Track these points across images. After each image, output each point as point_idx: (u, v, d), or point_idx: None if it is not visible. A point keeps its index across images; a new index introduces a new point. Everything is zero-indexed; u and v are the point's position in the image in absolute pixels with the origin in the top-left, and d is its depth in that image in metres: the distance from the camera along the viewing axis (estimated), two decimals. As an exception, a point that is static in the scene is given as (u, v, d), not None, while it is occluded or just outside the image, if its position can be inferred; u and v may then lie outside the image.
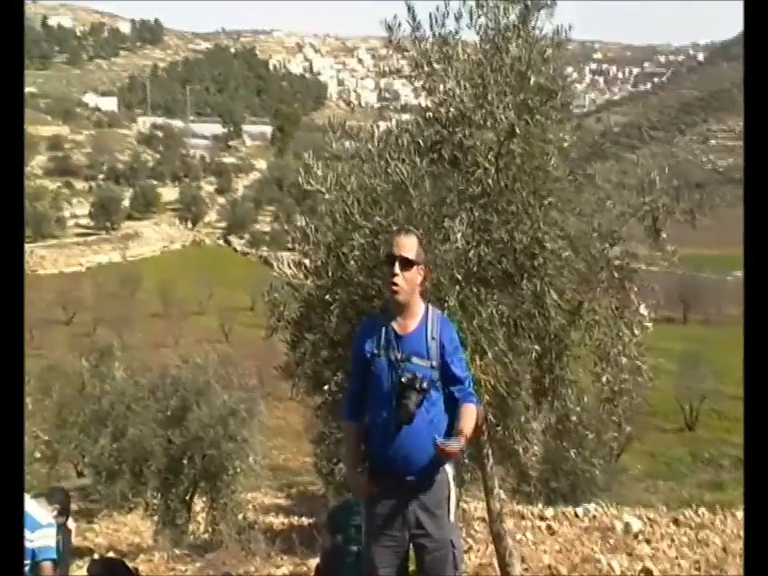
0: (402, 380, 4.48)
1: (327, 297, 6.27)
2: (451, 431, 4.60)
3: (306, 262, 6.43)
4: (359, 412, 4.82)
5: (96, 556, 10.97)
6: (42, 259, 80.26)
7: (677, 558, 9.75)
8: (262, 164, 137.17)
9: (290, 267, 6.49)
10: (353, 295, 6.16)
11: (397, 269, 4.55)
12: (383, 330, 4.65)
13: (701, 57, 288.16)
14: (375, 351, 4.63)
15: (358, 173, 6.15)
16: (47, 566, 6.64)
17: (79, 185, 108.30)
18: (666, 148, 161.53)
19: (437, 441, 4.42)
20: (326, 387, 6.75)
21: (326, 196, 6.08)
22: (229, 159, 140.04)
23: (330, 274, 6.22)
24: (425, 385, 4.46)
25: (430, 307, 4.74)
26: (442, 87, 6.14)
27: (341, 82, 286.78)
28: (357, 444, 4.84)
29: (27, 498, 6.76)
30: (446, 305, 5.66)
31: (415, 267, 4.58)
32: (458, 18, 6.16)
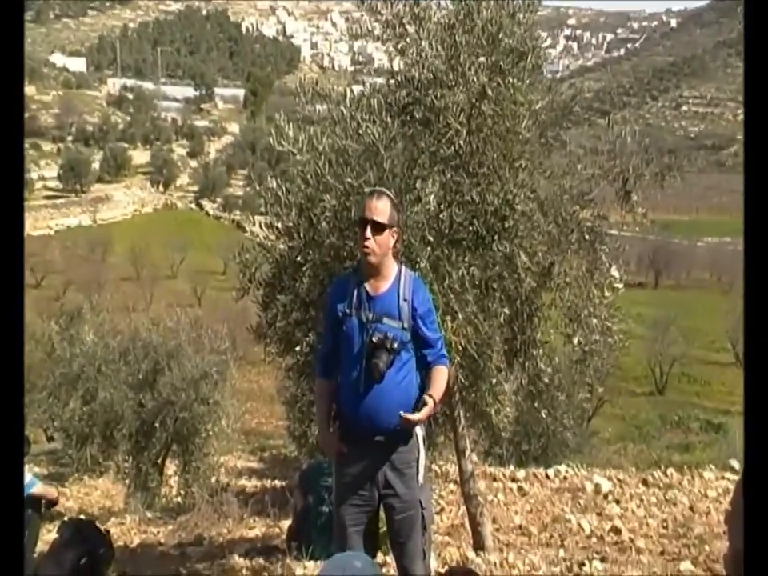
0: (373, 339, 4.51)
1: (299, 258, 6.28)
2: (422, 392, 4.62)
3: (278, 224, 6.41)
4: (331, 371, 4.84)
5: (66, 519, 10.97)
6: (10, 222, 79.28)
7: (645, 517, 9.90)
8: (234, 127, 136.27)
9: (261, 229, 6.48)
10: (324, 256, 6.16)
11: (368, 233, 4.55)
12: (355, 290, 4.66)
13: (674, 23, 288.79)
14: (347, 311, 4.64)
15: (331, 134, 6.13)
16: (39, 489, 6.87)
17: (47, 146, 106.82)
18: (638, 114, 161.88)
19: (400, 413, 4.45)
20: (297, 348, 6.77)
21: (298, 157, 6.06)
22: (201, 122, 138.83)
23: (301, 235, 6.22)
24: (395, 345, 4.48)
25: (403, 268, 4.76)
26: (414, 49, 6.13)
27: (314, 45, 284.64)
28: (328, 403, 4.87)
29: None
30: (417, 266, 5.67)
31: (387, 230, 4.57)
32: (430, -23, 6.16)
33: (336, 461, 4.88)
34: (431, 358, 4.68)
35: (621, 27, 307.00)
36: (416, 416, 4.46)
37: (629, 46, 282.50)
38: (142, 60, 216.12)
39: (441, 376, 4.66)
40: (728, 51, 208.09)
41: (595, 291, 6.47)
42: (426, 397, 4.52)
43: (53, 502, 7.51)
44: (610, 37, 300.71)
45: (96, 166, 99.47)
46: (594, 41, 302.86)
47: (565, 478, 11.99)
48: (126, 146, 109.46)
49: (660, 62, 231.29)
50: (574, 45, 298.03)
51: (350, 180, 5.79)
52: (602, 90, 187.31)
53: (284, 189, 6.23)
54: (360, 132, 5.86)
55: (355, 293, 4.65)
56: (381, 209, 4.58)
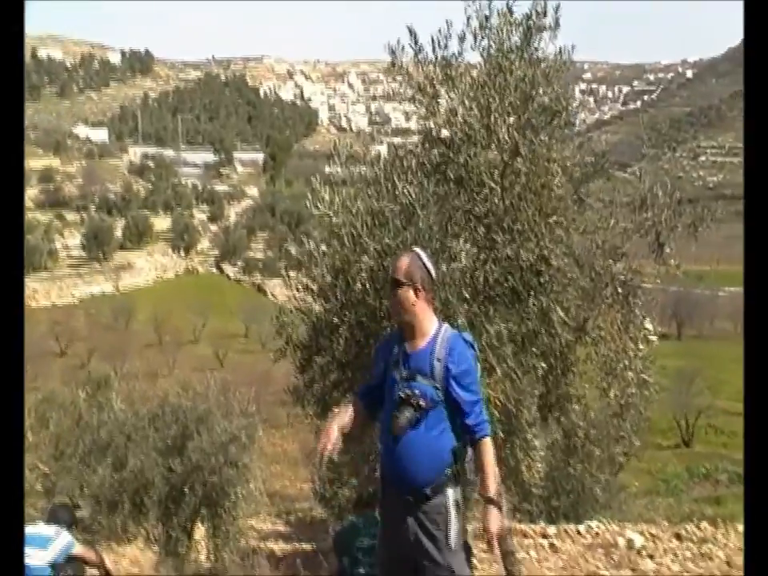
0: (400, 395, 4.52)
1: (335, 319, 6.32)
2: (455, 457, 4.57)
3: (314, 286, 6.47)
4: (367, 395, 4.89)
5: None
6: (34, 292, 79.97)
7: (681, 572, 9.74)
8: (254, 191, 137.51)
9: (297, 290, 6.53)
10: (361, 317, 6.19)
11: (389, 291, 4.69)
12: (396, 346, 4.69)
13: (690, 74, 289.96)
14: (389, 367, 4.69)
15: (364, 196, 6.21)
16: (79, 550, 6.97)
17: (71, 216, 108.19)
18: (656, 165, 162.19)
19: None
20: (335, 410, 6.77)
21: (334, 219, 6.13)
22: (221, 187, 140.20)
23: (337, 296, 6.26)
24: (421, 402, 4.47)
25: (444, 327, 4.70)
26: (446, 108, 6.22)
27: (332, 108, 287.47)
28: (350, 412, 4.86)
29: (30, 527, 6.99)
30: (454, 323, 5.67)
31: (405, 287, 4.58)
32: (461, 40, 6.26)
33: (380, 516, 4.90)
34: (471, 422, 4.55)
35: (637, 80, 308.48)
36: (493, 543, 4.49)
37: (645, 98, 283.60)
38: (162, 128, 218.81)
39: (488, 455, 4.57)
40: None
41: (630, 344, 6.46)
42: (484, 491, 4.50)
43: (98, 565, 7.58)
44: (626, 89, 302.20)
45: (118, 233, 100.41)
46: (609, 94, 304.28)
47: (597, 533, 11.79)
48: (148, 212, 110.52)
49: (677, 112, 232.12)
50: (591, 99, 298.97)
51: (387, 240, 5.84)
52: (620, 143, 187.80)
53: (321, 250, 6.29)
54: (396, 192, 5.92)
55: (396, 349, 4.68)
56: (397, 266, 4.64)
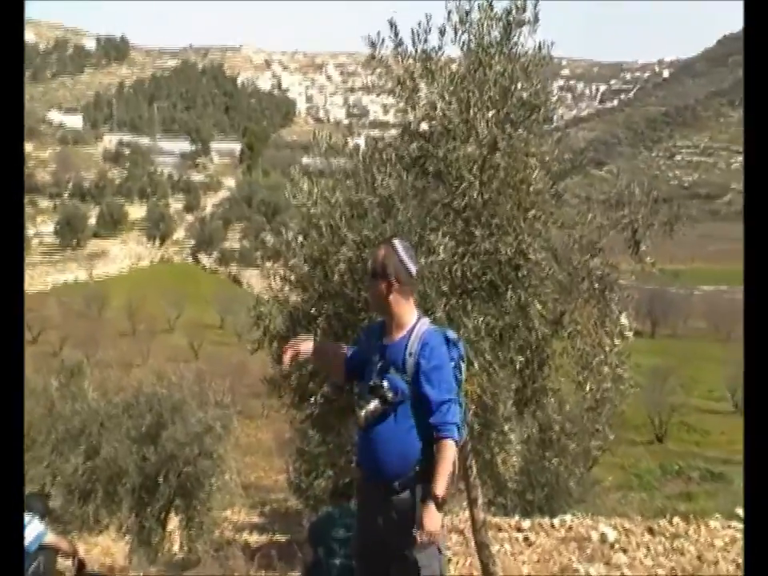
0: (370, 384, 4.48)
1: (312, 310, 6.33)
2: (423, 456, 4.47)
3: (291, 276, 6.48)
4: (348, 360, 4.87)
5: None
6: (6, 279, 79.24)
7: (653, 566, 9.83)
8: (230, 181, 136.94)
9: (274, 280, 6.54)
10: (339, 308, 6.21)
11: (367, 282, 4.71)
12: (377, 337, 4.68)
13: (666, 74, 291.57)
14: (367, 356, 4.68)
15: (342, 187, 6.22)
16: (52, 539, 6.96)
17: (44, 203, 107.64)
18: (632, 163, 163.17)
19: (414, 534, 4.32)
20: (312, 399, 6.78)
21: (312, 210, 6.14)
22: (197, 177, 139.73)
23: (315, 287, 6.28)
24: (389, 394, 4.40)
25: (421, 320, 4.64)
26: (425, 102, 6.24)
27: (309, 99, 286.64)
28: (332, 345, 4.98)
29: None
30: (433, 316, 5.69)
31: (378, 279, 4.55)
32: (442, 34, 6.28)
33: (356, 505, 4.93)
34: (434, 420, 4.40)
35: (614, 78, 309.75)
36: (423, 538, 4.32)
37: (622, 96, 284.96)
38: (138, 116, 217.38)
39: (445, 457, 4.36)
40: (720, 101, 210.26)
41: (606, 339, 6.49)
42: (433, 492, 4.32)
43: (71, 555, 7.59)
44: (603, 87, 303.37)
45: (92, 221, 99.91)
46: (587, 91, 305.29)
47: (570, 527, 11.87)
48: (123, 201, 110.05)
49: (653, 111, 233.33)
50: (568, 95, 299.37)
51: (366, 232, 5.85)
52: (596, 140, 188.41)
53: (299, 241, 6.30)
54: (375, 185, 5.94)
55: (376, 340, 4.67)
56: (373, 258, 4.65)
